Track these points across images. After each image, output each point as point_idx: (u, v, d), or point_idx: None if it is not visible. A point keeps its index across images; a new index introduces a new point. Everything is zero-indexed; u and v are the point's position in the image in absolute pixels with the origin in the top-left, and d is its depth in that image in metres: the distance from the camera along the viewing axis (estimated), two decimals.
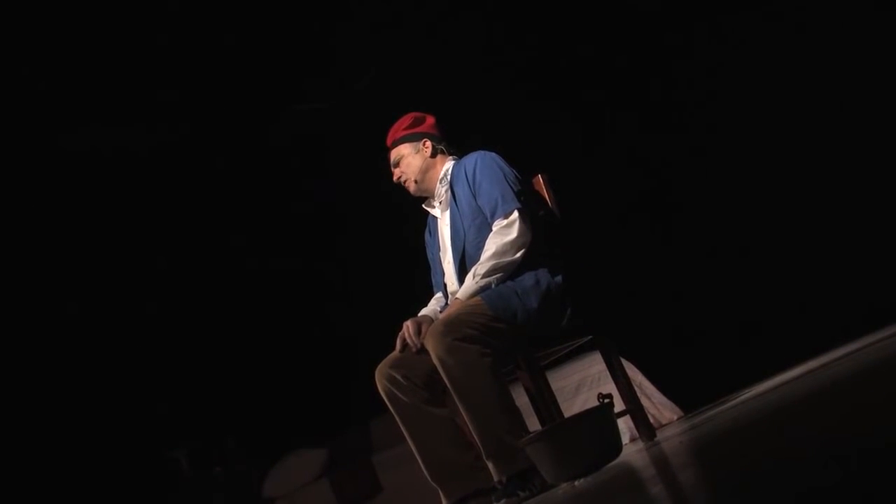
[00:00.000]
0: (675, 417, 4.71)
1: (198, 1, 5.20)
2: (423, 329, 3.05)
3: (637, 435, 3.54)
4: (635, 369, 4.67)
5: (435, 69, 5.97)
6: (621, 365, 3.37)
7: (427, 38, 6.02)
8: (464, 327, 2.90)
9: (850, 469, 1.02)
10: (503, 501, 2.84)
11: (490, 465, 2.91)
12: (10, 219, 5.80)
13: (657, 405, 4.75)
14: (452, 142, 3.50)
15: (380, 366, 3.16)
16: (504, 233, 3.10)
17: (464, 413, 2.91)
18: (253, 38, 5.64)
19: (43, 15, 4.80)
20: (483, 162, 3.25)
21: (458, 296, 3.09)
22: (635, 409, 3.29)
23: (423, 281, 3.58)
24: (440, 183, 3.39)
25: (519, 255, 3.09)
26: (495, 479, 2.90)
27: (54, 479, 5.87)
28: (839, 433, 1.37)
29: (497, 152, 3.32)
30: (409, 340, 3.09)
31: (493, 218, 3.14)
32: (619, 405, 3.10)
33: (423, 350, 3.01)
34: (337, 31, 5.85)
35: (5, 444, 5.79)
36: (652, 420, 4.17)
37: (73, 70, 5.23)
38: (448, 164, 3.42)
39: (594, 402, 2.78)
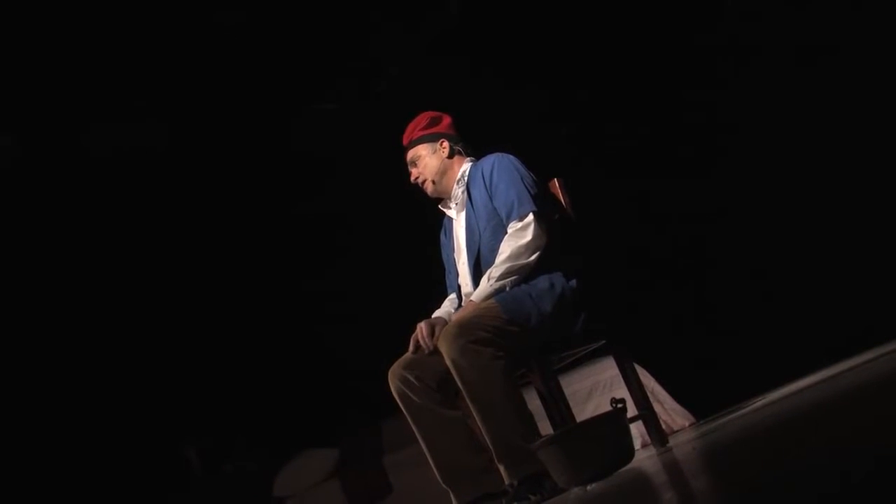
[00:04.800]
0: (688, 424, 4.70)
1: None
2: (437, 331, 3.05)
3: (649, 441, 3.53)
4: (648, 375, 4.66)
5: (450, 72, 5.98)
6: (634, 370, 3.36)
7: (443, 42, 6.03)
8: (477, 330, 2.90)
9: (863, 479, 1.02)
10: None
11: (501, 469, 2.90)
12: (22, 214, 5.83)
13: (669, 411, 4.73)
14: (469, 142, 3.50)
15: (393, 367, 3.16)
16: (519, 235, 3.10)
17: (476, 415, 2.91)
18: (268, 38, 5.66)
19: (63, 9, 4.82)
20: (500, 164, 3.25)
21: (472, 298, 3.09)
22: (648, 414, 3.29)
23: (438, 282, 3.58)
24: (457, 184, 3.39)
25: (533, 258, 3.09)
26: (506, 482, 2.90)
27: (65, 475, 5.89)
28: (852, 442, 1.36)
29: (514, 155, 3.32)
30: (422, 342, 3.08)
31: (509, 220, 3.14)
32: (631, 410, 3.09)
33: (435, 352, 3.01)
34: (356, 32, 5.86)
35: (17, 440, 5.82)
36: (664, 426, 4.16)
37: (80, 68, 5.25)
38: (465, 166, 3.42)
39: (606, 407, 2.78)
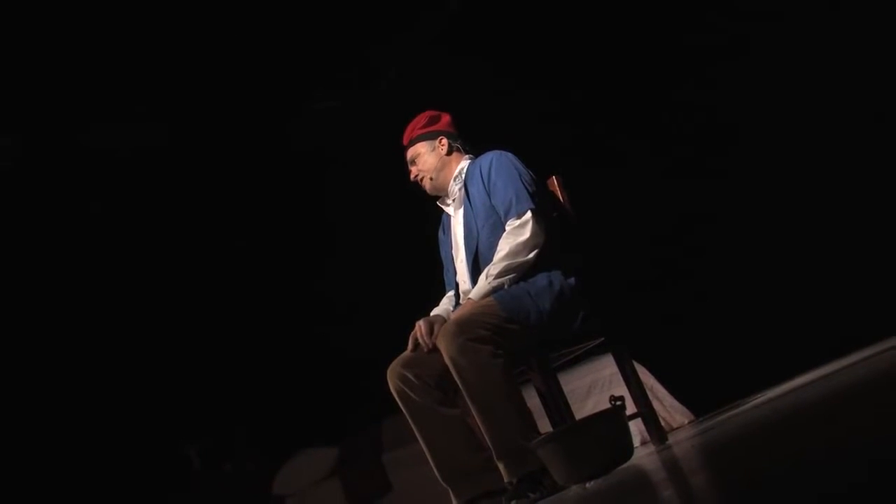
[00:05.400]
0: (687, 421, 4.70)
1: None
2: (436, 329, 3.05)
3: (648, 438, 3.53)
4: (647, 372, 4.66)
5: (451, 70, 5.97)
6: (633, 368, 3.36)
7: (443, 40, 6.03)
8: (476, 328, 2.90)
9: (862, 477, 1.02)
10: (514, 502, 2.84)
11: (501, 466, 2.90)
12: (23, 214, 5.83)
13: (668, 409, 4.74)
14: (468, 140, 3.51)
15: (392, 365, 3.16)
16: (517, 233, 3.10)
17: (475, 414, 2.91)
18: (270, 37, 5.66)
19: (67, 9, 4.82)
20: (498, 161, 3.25)
21: (470, 296, 3.09)
22: (647, 412, 3.29)
23: (436, 280, 3.58)
24: (454, 181, 3.40)
25: (532, 255, 3.09)
26: (506, 479, 2.90)
27: (67, 475, 5.90)
28: (850, 440, 1.37)
29: (512, 152, 3.32)
30: (421, 340, 3.09)
31: (507, 218, 3.14)
32: (630, 408, 3.10)
33: (435, 350, 3.01)
34: (357, 31, 5.85)
35: (17, 440, 5.83)
36: (663, 423, 4.17)
37: (79, 69, 5.25)
38: (464, 163, 3.42)
39: (605, 405, 2.78)
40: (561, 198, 3.47)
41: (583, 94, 5.93)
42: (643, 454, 3.35)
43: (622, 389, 3.39)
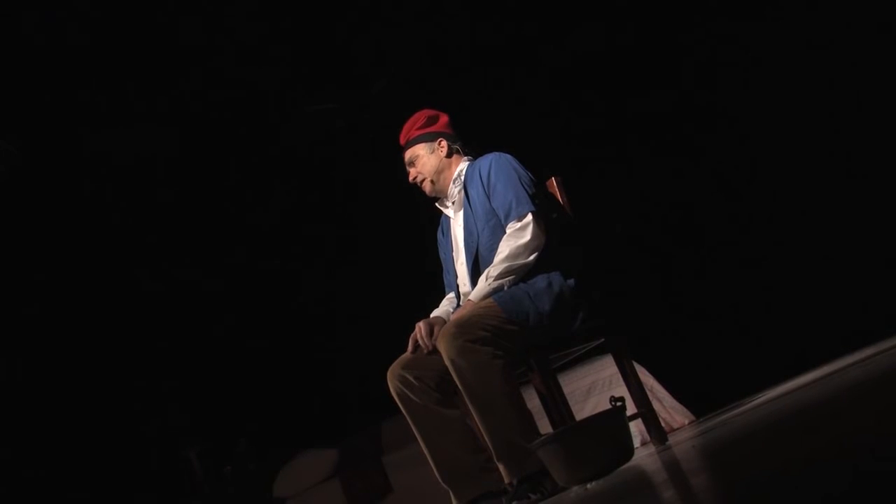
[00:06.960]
0: (687, 422, 4.70)
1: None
2: (436, 330, 3.05)
3: (648, 439, 3.53)
4: (647, 373, 4.65)
5: (449, 71, 5.97)
6: (633, 368, 3.36)
7: (441, 40, 6.02)
8: (476, 329, 2.90)
9: (865, 477, 1.01)
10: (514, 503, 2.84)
11: (501, 468, 2.90)
12: (24, 219, 5.83)
13: (669, 409, 4.73)
14: (466, 141, 3.50)
15: (392, 367, 3.16)
16: (517, 235, 3.09)
17: (475, 415, 2.91)
18: (268, 38, 5.66)
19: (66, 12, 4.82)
20: (498, 163, 3.24)
21: (470, 297, 3.09)
22: (647, 412, 3.28)
23: (436, 282, 3.57)
24: (453, 183, 3.39)
25: (532, 257, 3.08)
26: (506, 481, 2.90)
27: (67, 478, 5.89)
28: (853, 439, 1.36)
29: (512, 154, 3.31)
30: (421, 341, 3.09)
31: (507, 220, 3.14)
32: (630, 408, 3.09)
33: (434, 351, 3.00)
34: (352, 32, 5.85)
35: (19, 444, 5.82)
36: (663, 424, 4.16)
37: (80, 72, 5.25)
38: (463, 165, 3.41)
39: (605, 406, 2.78)
40: (560, 199, 3.46)
41: (582, 95, 5.93)
42: (643, 455, 3.34)
43: (622, 390, 3.39)
